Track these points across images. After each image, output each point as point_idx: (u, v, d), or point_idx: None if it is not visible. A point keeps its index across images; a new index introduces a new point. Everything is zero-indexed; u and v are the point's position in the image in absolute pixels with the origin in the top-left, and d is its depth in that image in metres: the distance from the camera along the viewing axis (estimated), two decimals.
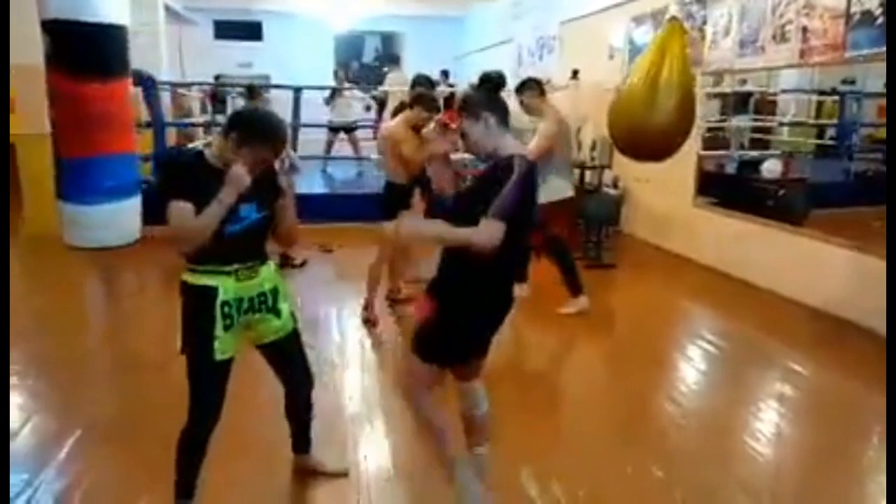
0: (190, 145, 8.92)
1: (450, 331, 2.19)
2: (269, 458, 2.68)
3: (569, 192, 4.64)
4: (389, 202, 4.38)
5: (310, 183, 8.46)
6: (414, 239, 2.15)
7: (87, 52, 5.99)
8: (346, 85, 10.78)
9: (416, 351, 2.24)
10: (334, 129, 10.08)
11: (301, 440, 2.58)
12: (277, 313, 2.29)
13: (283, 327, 2.32)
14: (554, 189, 4.44)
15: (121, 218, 6.45)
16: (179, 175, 2.10)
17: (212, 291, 2.11)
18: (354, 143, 10.12)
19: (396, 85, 9.59)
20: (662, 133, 3.67)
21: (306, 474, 2.61)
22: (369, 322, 4.42)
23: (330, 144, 10.21)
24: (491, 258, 2.05)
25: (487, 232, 2.01)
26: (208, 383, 2.16)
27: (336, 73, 11.26)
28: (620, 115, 3.85)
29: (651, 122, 3.61)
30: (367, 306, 4.47)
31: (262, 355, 2.37)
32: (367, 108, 10.35)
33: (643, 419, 3.28)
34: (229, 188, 2.01)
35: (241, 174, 2.02)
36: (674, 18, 3.77)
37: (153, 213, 6.34)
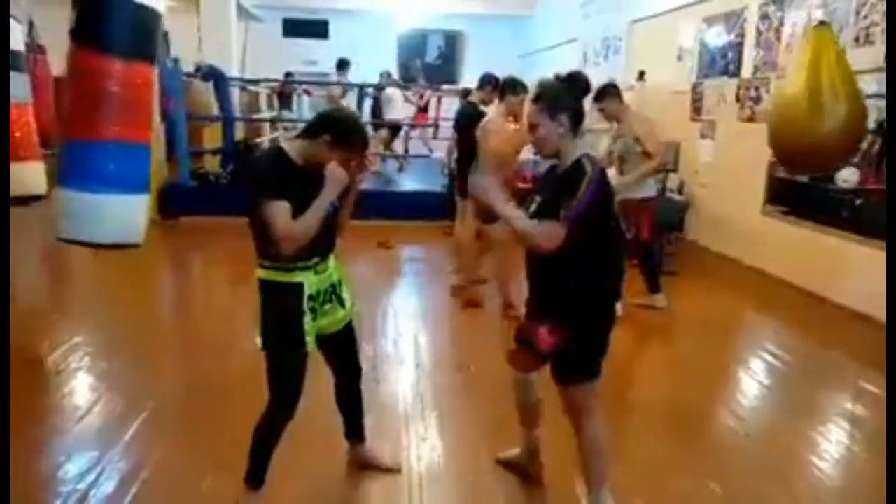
0: (257, 140, 9.17)
1: (591, 343, 2.19)
2: (323, 450, 2.71)
3: (654, 191, 4.75)
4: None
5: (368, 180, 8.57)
6: (482, 201, 2.11)
7: (111, 27, 4.97)
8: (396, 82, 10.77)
9: (571, 378, 2.22)
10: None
11: (354, 429, 2.62)
12: (342, 303, 2.36)
13: (346, 317, 2.39)
14: (643, 185, 4.49)
15: (126, 213, 5.04)
16: (271, 174, 2.14)
17: (299, 287, 2.18)
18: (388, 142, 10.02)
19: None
20: (836, 140, 3.57)
21: (360, 467, 2.64)
22: (472, 304, 4.59)
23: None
24: (596, 265, 2.10)
25: (548, 233, 2.01)
26: (298, 375, 2.23)
27: (384, 75, 10.82)
28: (784, 131, 3.75)
29: (821, 131, 3.50)
30: (508, 305, 4.52)
31: (318, 344, 2.37)
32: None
33: (702, 433, 3.19)
34: (331, 188, 2.08)
35: (342, 175, 2.10)
36: (822, 23, 3.63)
37: (225, 203, 6.47)
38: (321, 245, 2.22)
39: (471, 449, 2.87)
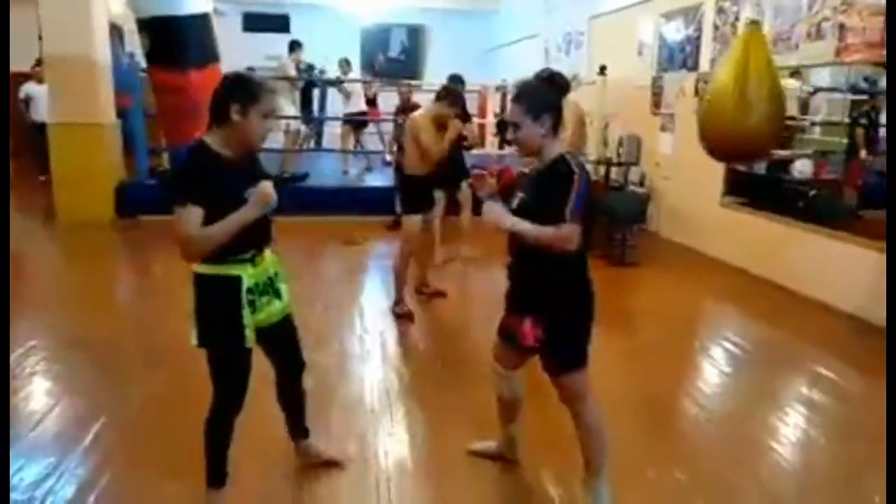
0: None
1: (576, 332, 2.23)
2: (287, 447, 2.68)
3: None
4: (409, 196, 4.38)
5: (326, 176, 8.49)
6: (494, 226, 2.15)
7: (182, 43, 6.38)
8: (351, 76, 10.52)
9: (565, 368, 2.25)
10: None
11: (297, 426, 2.56)
12: (279, 295, 2.30)
13: (284, 309, 2.33)
14: None
15: None
16: (190, 174, 2.06)
17: (237, 281, 2.11)
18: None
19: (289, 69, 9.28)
20: (758, 134, 3.69)
21: (307, 463, 2.59)
22: (403, 317, 4.38)
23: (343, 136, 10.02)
24: (573, 256, 2.12)
25: (569, 235, 2.07)
26: (240, 371, 2.18)
27: (343, 63, 10.32)
28: (712, 122, 3.88)
29: (745, 126, 3.62)
30: (398, 301, 4.44)
31: (257, 338, 2.29)
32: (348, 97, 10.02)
33: (665, 421, 3.24)
34: (255, 207, 2.03)
35: (267, 199, 2.04)
36: (753, 22, 3.76)
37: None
38: (257, 236, 2.16)
39: (439, 443, 2.87)
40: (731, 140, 3.85)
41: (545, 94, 2.22)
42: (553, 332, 2.19)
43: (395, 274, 4.45)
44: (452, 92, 4.35)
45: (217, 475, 2.23)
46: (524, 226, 2.11)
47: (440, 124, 4.22)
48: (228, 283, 2.11)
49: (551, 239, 2.08)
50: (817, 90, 6.11)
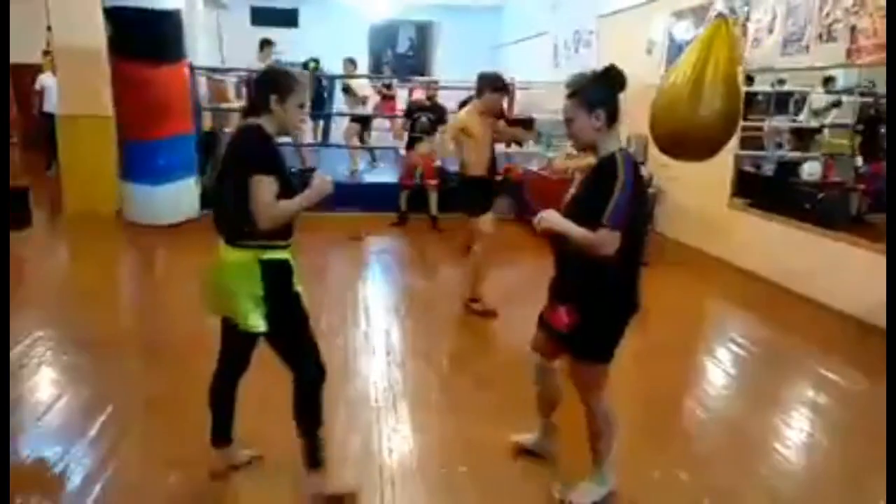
0: (226, 130, 9.00)
1: (603, 328, 2.27)
2: (288, 444, 2.68)
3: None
4: (476, 196, 4.34)
5: (330, 171, 8.48)
6: (551, 229, 2.19)
7: (146, 37, 6.33)
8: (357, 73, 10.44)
9: (586, 355, 2.32)
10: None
11: (231, 427, 2.46)
12: None
13: None
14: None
15: (180, 197, 6.81)
16: (262, 149, 2.16)
17: (289, 264, 2.24)
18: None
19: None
20: (706, 134, 3.61)
21: (229, 468, 2.49)
22: (486, 314, 4.34)
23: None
24: (615, 262, 2.13)
25: (605, 241, 2.09)
26: (313, 342, 2.29)
27: (347, 62, 10.28)
28: (662, 114, 3.80)
29: (695, 123, 3.56)
30: (476, 300, 4.39)
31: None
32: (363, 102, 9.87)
33: (671, 422, 3.24)
34: (315, 193, 2.17)
35: (328, 188, 2.19)
36: (720, 15, 3.70)
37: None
38: (293, 223, 2.27)
39: (443, 440, 2.87)
40: (680, 136, 3.80)
41: (600, 88, 2.22)
42: (585, 322, 2.23)
43: (474, 272, 4.40)
44: (487, 76, 4.25)
45: (320, 454, 2.34)
46: (575, 231, 2.14)
47: (487, 113, 4.22)
48: (287, 267, 2.24)
49: (592, 242, 2.11)
50: (835, 94, 6.08)
